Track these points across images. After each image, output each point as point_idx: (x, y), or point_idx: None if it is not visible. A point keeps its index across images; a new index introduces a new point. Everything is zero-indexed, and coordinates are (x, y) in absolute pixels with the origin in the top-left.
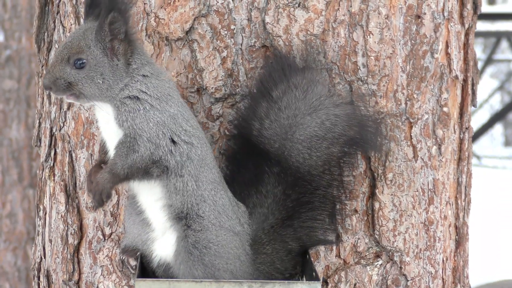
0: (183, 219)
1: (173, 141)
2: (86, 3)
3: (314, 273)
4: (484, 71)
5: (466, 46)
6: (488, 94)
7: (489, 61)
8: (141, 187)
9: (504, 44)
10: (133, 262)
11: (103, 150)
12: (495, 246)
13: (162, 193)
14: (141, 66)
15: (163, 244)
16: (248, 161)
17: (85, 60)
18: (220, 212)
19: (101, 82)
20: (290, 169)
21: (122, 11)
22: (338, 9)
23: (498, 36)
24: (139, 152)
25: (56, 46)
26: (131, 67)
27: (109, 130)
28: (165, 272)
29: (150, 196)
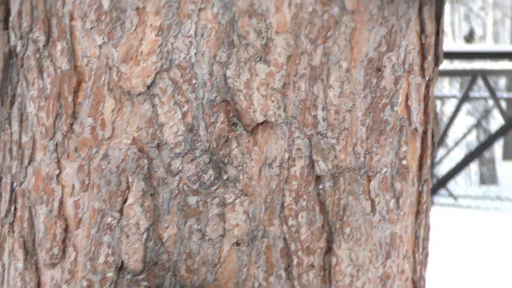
0: None
1: None
2: None
3: None
4: (460, 109)
5: (426, 98)
6: (463, 132)
7: (465, 98)
8: None
9: (480, 82)
10: None
11: None
12: (469, 285)
13: None
14: None
15: None
16: None
17: None
18: None
19: None
20: None
21: None
22: (299, 62)
23: (474, 74)
24: None
25: (19, 100)
26: None
27: None
28: None
29: None
